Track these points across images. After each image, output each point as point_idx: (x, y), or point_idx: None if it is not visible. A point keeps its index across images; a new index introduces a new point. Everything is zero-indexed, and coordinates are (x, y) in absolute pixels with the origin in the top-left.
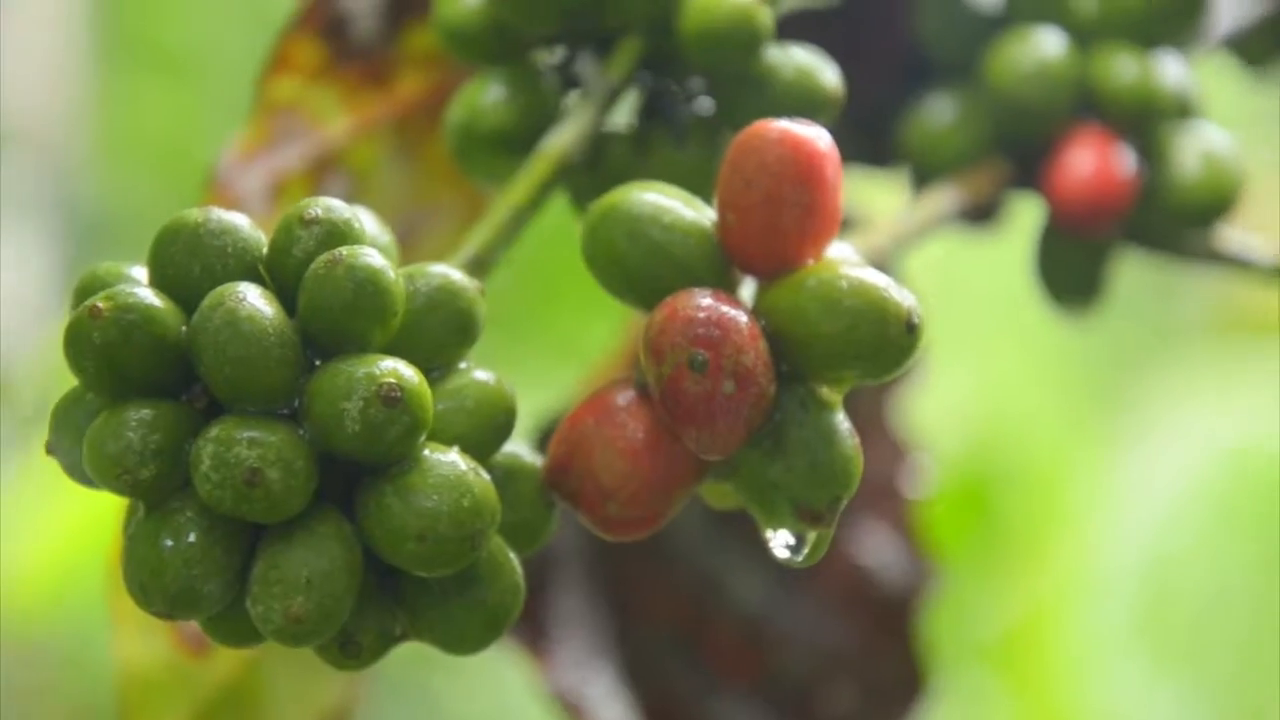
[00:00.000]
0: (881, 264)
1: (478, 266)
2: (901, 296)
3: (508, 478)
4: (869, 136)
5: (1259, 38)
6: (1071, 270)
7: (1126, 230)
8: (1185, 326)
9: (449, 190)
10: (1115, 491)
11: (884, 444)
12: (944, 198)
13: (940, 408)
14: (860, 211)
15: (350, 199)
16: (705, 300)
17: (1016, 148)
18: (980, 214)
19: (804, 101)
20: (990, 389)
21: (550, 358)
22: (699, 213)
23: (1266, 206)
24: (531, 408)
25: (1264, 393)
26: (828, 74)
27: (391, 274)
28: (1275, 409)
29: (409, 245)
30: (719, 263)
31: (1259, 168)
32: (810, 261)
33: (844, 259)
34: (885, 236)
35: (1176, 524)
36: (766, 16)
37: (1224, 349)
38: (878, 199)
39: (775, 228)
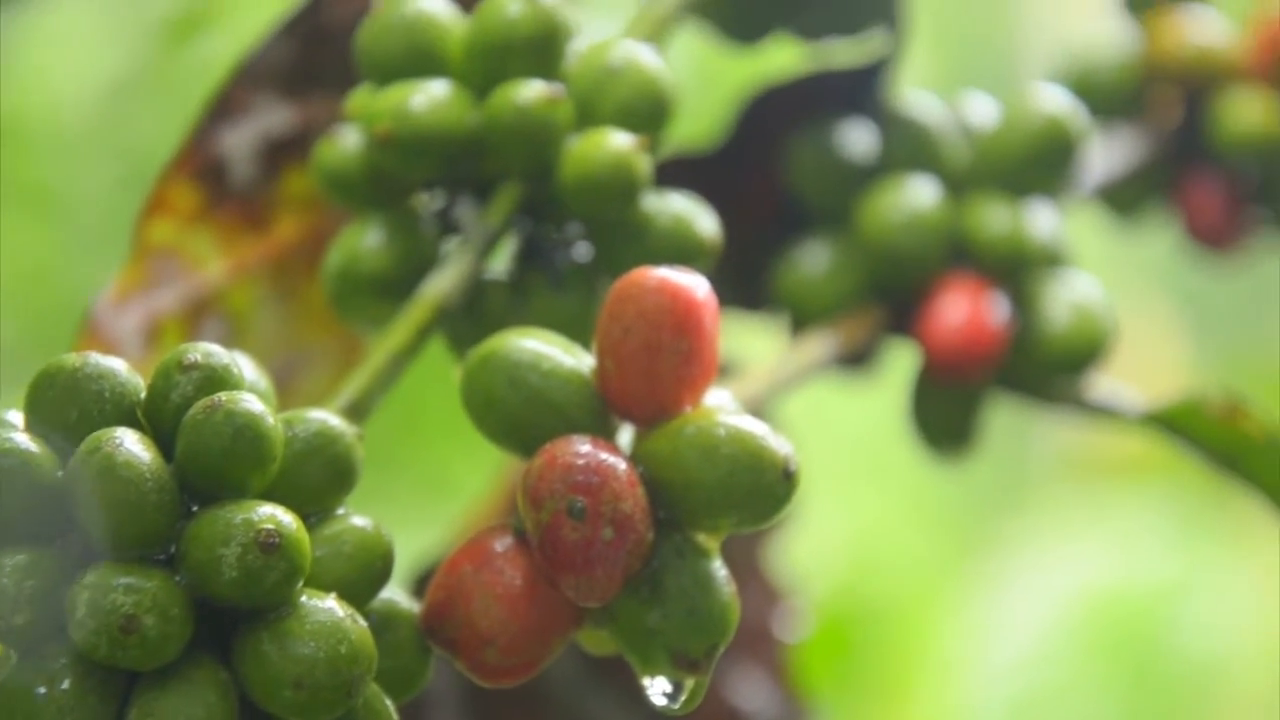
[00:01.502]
0: (758, 410)
1: (356, 412)
2: (778, 444)
3: (385, 624)
4: (746, 282)
5: (1130, 188)
6: (945, 416)
7: (998, 377)
8: (1045, 470)
9: (326, 334)
10: (979, 632)
11: (758, 588)
12: (819, 344)
13: (810, 549)
14: (738, 357)
15: (227, 342)
16: (584, 447)
17: (891, 295)
18: (856, 360)
19: (681, 248)
20: (858, 531)
21: (422, 493)
22: (578, 359)
23: (1142, 352)
24: (405, 544)
25: (1120, 534)
26: (704, 221)
27: (270, 420)
28: (1131, 550)
29: (286, 389)
30: (598, 409)
31: (1135, 314)
32: (688, 408)
33: (722, 406)
34: (762, 383)
35: (1038, 663)
36: (644, 164)
37: (1082, 491)
38: (756, 344)
39: (653, 375)
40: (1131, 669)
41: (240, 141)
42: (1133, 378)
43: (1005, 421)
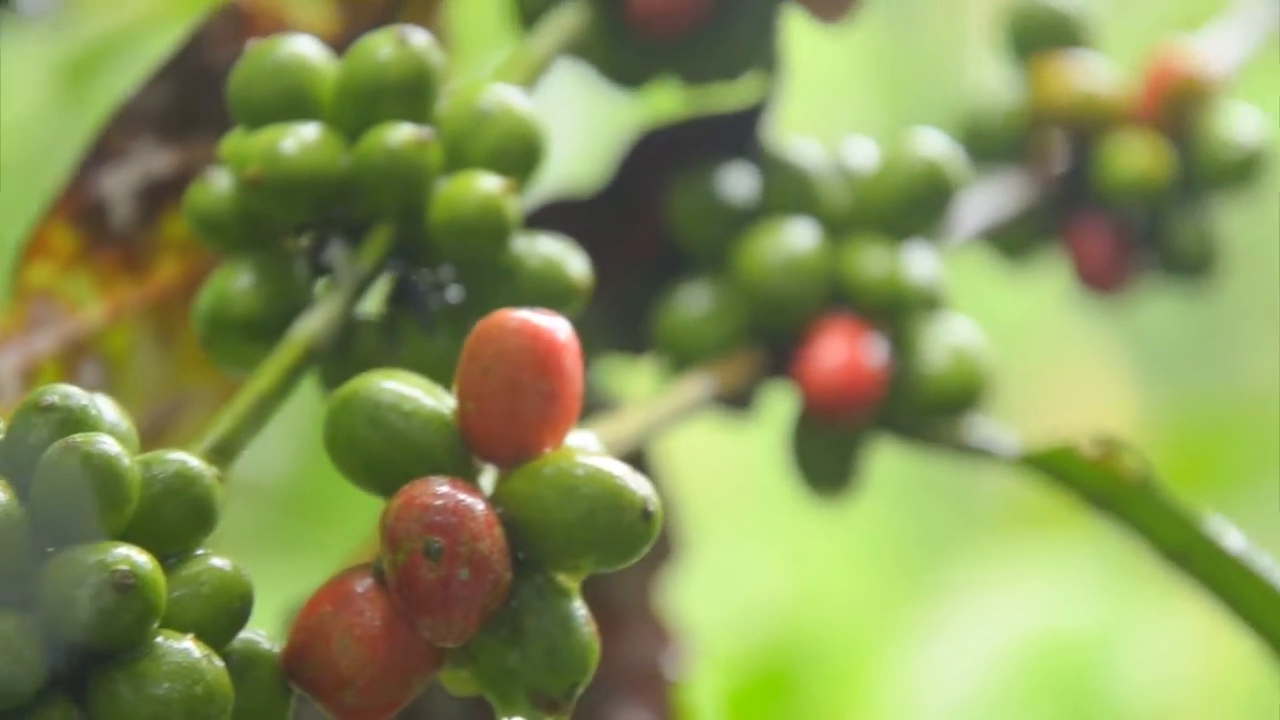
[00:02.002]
0: (638, 450)
1: (222, 453)
2: (637, 485)
3: (245, 664)
4: (629, 324)
5: (1018, 232)
6: (824, 459)
7: (878, 419)
8: (985, 515)
9: (205, 377)
10: (917, 676)
11: (647, 628)
12: (695, 387)
13: (750, 592)
14: (617, 398)
15: (105, 385)
16: (442, 488)
17: (770, 337)
18: (737, 402)
19: (551, 291)
20: (798, 573)
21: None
22: (439, 401)
23: (1090, 390)
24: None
25: (1058, 580)
26: (575, 264)
27: (126, 461)
28: (1069, 596)
29: (165, 432)
30: (458, 450)
31: (1083, 352)
32: (549, 449)
33: (583, 447)
34: (636, 424)
35: (975, 708)
36: (514, 207)
37: (1022, 537)
38: (641, 386)
39: (514, 416)
40: (1067, 714)
41: (120, 184)
42: (1081, 415)
43: (947, 466)
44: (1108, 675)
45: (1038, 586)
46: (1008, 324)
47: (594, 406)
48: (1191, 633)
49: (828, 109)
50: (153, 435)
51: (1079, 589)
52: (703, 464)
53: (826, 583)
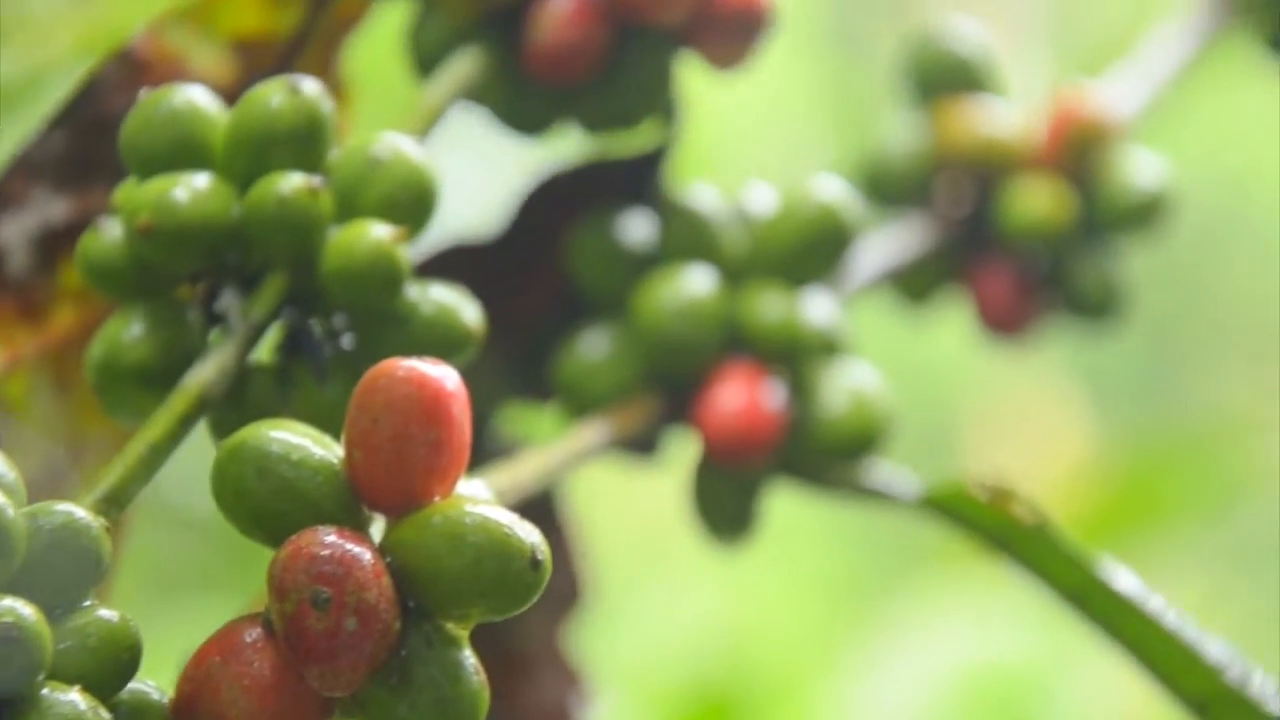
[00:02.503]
0: (547, 495)
1: (113, 503)
2: (525, 534)
3: (134, 716)
4: (529, 370)
5: (922, 275)
6: (725, 502)
7: (777, 463)
8: (924, 548)
9: (103, 425)
10: (856, 710)
11: (556, 673)
12: (595, 432)
13: (689, 625)
14: (518, 443)
15: (2, 433)
16: (329, 538)
17: (669, 382)
18: (638, 447)
19: (444, 339)
20: (738, 608)
21: None
22: (329, 450)
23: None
24: None
25: (996, 613)
26: (468, 311)
27: (10, 513)
28: (1006, 629)
29: (64, 480)
30: (348, 500)
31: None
32: (438, 498)
33: (472, 496)
34: (532, 470)
35: None
36: (405, 255)
37: (960, 571)
38: (542, 431)
39: (402, 465)
40: None
41: (17, 232)
42: (1037, 451)
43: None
44: (1043, 706)
45: (974, 619)
46: (959, 361)
47: (495, 452)
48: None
49: (770, 149)
50: (51, 483)
51: (1015, 622)
52: (643, 501)
53: (765, 618)
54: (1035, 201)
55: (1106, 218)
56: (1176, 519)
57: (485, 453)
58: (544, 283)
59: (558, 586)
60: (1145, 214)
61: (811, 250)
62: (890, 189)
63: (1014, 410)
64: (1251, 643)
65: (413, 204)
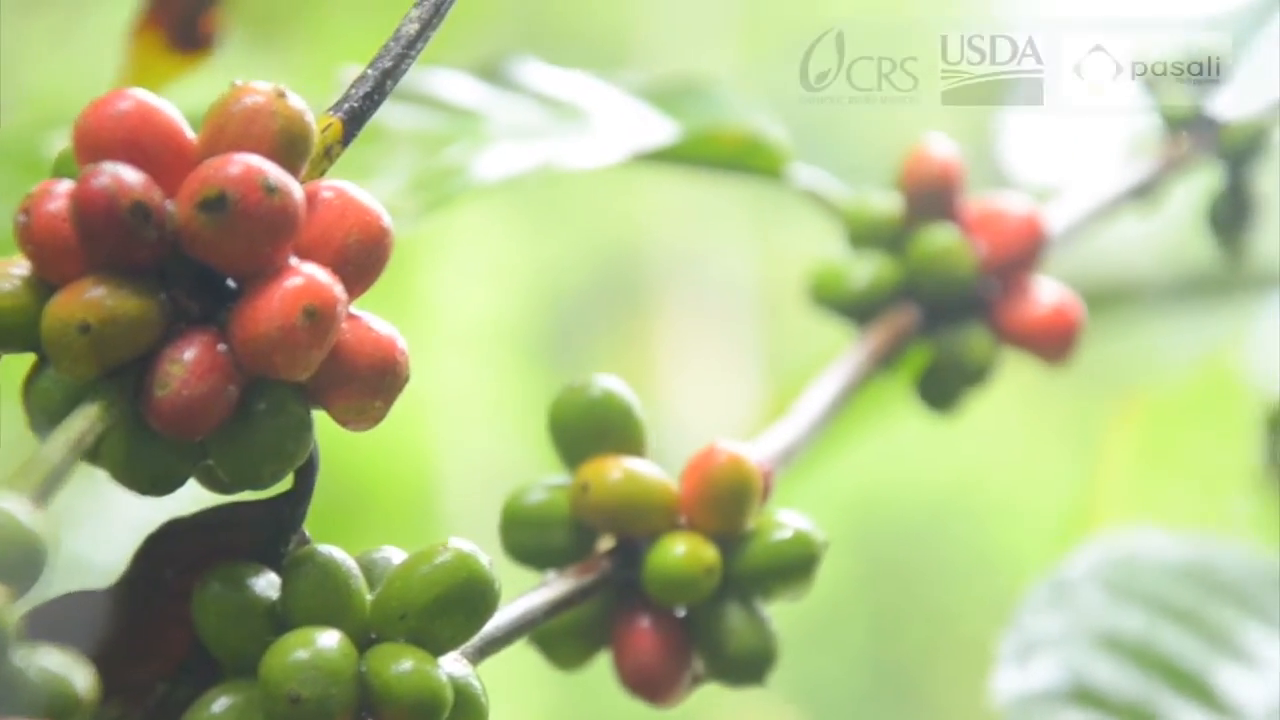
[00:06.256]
0: None
1: None
2: None
3: None
4: None
5: (568, 637)
6: None
7: None
8: None
9: None
10: None
11: None
12: None
13: None
14: None
15: None
16: None
17: None
18: None
19: (53, 705)
20: None
21: None
22: None
23: None
24: None
25: None
26: (79, 677)
27: None
28: None
29: None
30: None
31: None
32: None
33: None
34: None
35: None
36: (11, 617)
37: None
38: None
39: None
40: None
41: None
42: None
43: None
44: None
45: None
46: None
47: None
48: None
49: None
50: None
51: None
52: None
53: None
54: (674, 558)
55: (749, 574)
56: None
57: None
58: (170, 637)
59: None
60: (790, 569)
61: (446, 609)
62: (538, 554)
63: None
64: None
65: (20, 565)
